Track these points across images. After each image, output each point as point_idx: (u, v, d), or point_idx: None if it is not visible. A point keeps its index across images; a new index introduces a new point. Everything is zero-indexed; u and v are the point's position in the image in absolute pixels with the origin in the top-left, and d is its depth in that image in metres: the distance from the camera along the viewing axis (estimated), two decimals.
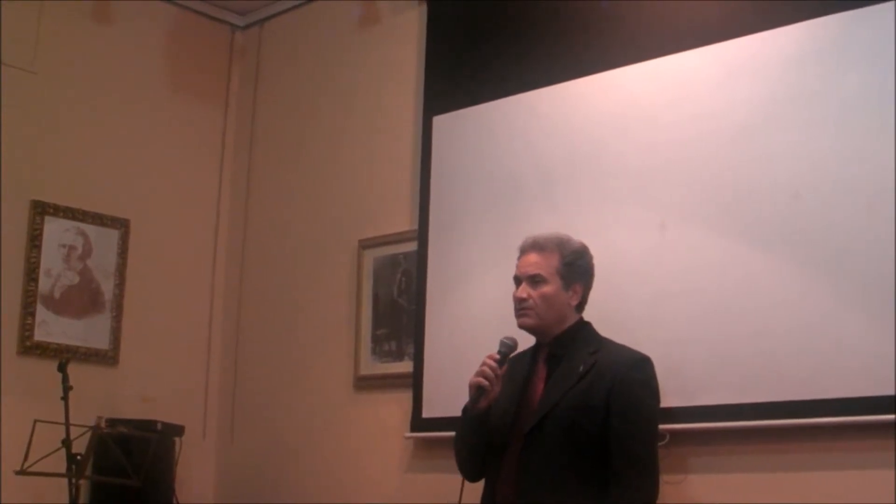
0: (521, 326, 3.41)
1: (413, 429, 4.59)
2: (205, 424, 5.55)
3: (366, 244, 5.06)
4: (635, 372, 3.27)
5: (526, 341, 3.50)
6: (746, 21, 3.85)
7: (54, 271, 5.05)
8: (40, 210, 5.02)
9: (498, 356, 3.34)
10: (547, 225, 3.76)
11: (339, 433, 4.99)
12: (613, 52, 4.21)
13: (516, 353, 3.47)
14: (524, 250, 3.44)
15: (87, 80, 5.32)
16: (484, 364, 3.31)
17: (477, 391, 3.30)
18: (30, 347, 4.90)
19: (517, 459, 3.26)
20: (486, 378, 3.29)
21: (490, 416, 3.36)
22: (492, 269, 4.28)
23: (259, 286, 5.63)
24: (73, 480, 4.21)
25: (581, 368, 3.28)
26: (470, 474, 3.46)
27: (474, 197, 4.53)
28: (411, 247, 4.81)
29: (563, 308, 3.39)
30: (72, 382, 4.26)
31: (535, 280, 3.36)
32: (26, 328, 4.90)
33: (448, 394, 4.36)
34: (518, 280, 3.41)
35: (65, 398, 4.22)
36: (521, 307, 3.38)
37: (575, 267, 3.39)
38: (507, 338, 3.38)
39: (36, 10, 5.12)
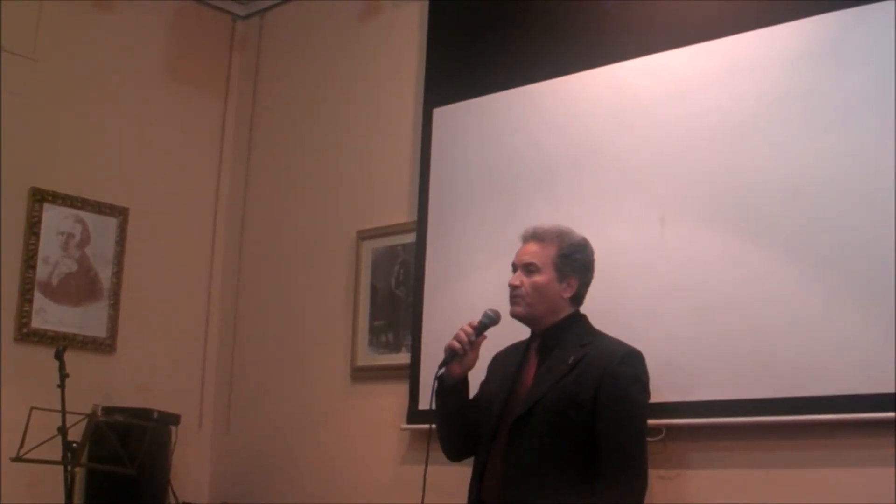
0: (512, 315, 3.41)
1: (409, 420, 4.59)
2: (201, 413, 5.56)
3: (364, 235, 5.06)
4: (624, 366, 3.25)
5: (524, 332, 3.49)
6: (747, 17, 3.85)
7: (52, 259, 5.05)
8: (39, 197, 5.01)
9: (477, 324, 3.37)
10: (546, 218, 3.73)
11: (336, 424, 5.00)
12: (614, 46, 4.20)
13: (514, 343, 3.47)
14: (525, 239, 3.45)
15: (87, 68, 5.31)
16: (461, 329, 3.36)
17: (449, 354, 3.34)
18: (27, 334, 4.90)
19: (504, 449, 3.27)
20: (459, 342, 3.33)
21: (467, 388, 3.43)
22: (490, 262, 4.28)
23: (257, 276, 5.63)
24: (69, 468, 4.20)
25: (571, 360, 3.27)
26: (449, 451, 3.50)
27: (473, 189, 4.53)
28: (410, 238, 4.81)
29: (554, 299, 3.38)
30: (68, 370, 4.25)
31: (529, 269, 3.36)
32: (24, 315, 4.90)
33: None
34: (514, 267, 3.42)
35: (61, 386, 4.21)
36: (513, 294, 3.39)
37: (571, 260, 3.38)
38: (490, 310, 3.40)
39: None
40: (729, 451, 3.66)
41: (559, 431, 3.19)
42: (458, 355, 3.35)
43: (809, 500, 3.40)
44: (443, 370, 3.38)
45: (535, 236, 3.41)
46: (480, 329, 3.38)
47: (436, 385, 3.42)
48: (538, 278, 3.35)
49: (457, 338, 3.35)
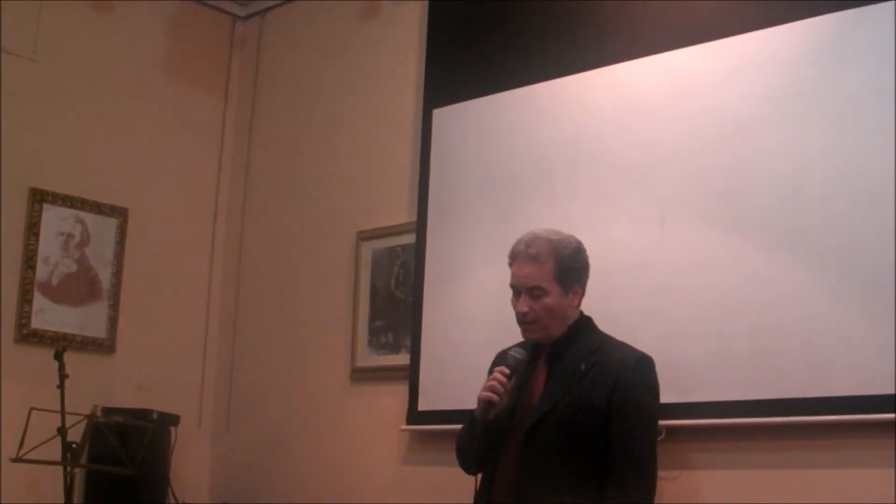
0: (527, 339, 3.37)
1: (409, 421, 4.59)
2: (201, 414, 5.55)
3: (364, 236, 5.05)
4: (637, 373, 3.24)
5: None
6: (748, 18, 3.85)
7: (52, 259, 5.05)
8: (39, 198, 5.01)
9: (509, 372, 3.26)
10: (546, 219, 3.75)
11: (335, 424, 4.99)
12: (614, 47, 4.20)
13: (519, 343, 3.43)
14: (517, 258, 3.34)
15: (87, 68, 5.31)
16: (493, 378, 3.24)
17: (486, 405, 3.23)
18: (27, 335, 4.89)
19: (516, 457, 3.24)
20: (496, 393, 3.23)
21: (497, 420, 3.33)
22: (490, 263, 4.27)
23: (257, 276, 5.62)
24: (69, 469, 4.21)
25: (583, 367, 3.25)
26: (468, 467, 3.45)
27: (473, 190, 4.53)
28: (409, 239, 4.80)
29: (566, 312, 3.34)
30: (68, 370, 4.25)
31: (534, 293, 3.28)
32: (23, 315, 4.90)
33: (444, 387, 4.38)
34: (516, 290, 3.34)
35: (61, 386, 4.21)
36: (523, 321, 3.32)
37: (571, 270, 3.32)
38: (515, 351, 3.32)
39: None
40: (729, 452, 3.66)
41: (573, 439, 3.18)
42: (495, 405, 3.25)
43: (810, 501, 3.40)
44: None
45: (528, 256, 3.30)
46: (511, 374, 3.27)
47: (468, 424, 3.36)
48: (547, 300, 3.28)
49: (491, 389, 3.23)
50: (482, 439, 3.32)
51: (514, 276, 3.35)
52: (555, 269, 3.29)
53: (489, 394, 3.23)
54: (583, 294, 3.39)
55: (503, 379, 3.24)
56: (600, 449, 3.17)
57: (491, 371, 3.46)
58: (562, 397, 3.22)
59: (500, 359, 3.49)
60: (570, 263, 3.32)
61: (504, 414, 3.31)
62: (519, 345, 3.43)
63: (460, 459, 3.48)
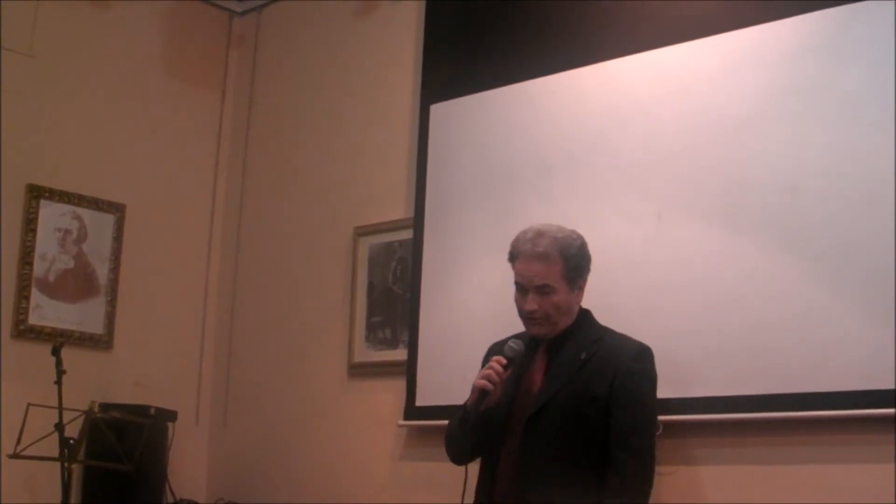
0: (534, 336, 3.38)
1: (407, 417, 4.59)
2: (198, 410, 5.55)
3: (361, 231, 5.05)
4: (638, 363, 3.27)
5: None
6: (746, 13, 3.85)
7: (49, 255, 5.04)
8: (36, 194, 5.00)
9: (506, 362, 3.27)
10: (543, 215, 3.74)
11: (333, 420, 4.99)
12: (612, 42, 4.20)
13: (514, 335, 3.44)
14: (521, 255, 3.33)
15: (85, 64, 5.31)
16: (489, 367, 3.25)
17: (480, 394, 3.24)
18: (24, 331, 4.89)
19: (518, 447, 3.25)
20: (491, 382, 3.24)
21: (490, 410, 3.33)
22: (487, 259, 4.28)
23: (254, 272, 5.62)
24: (66, 464, 4.21)
25: (583, 356, 3.27)
26: (457, 457, 3.44)
27: (471, 185, 4.53)
28: (407, 235, 4.80)
29: (572, 308, 3.37)
30: (65, 366, 4.26)
31: (542, 290, 3.29)
32: (21, 312, 4.89)
33: (442, 382, 4.38)
34: (522, 288, 3.34)
35: (58, 382, 4.21)
36: (530, 317, 3.33)
37: (578, 268, 3.34)
38: (514, 342, 3.33)
39: None
40: (727, 448, 3.66)
41: (574, 428, 3.20)
42: (489, 394, 3.25)
43: (808, 497, 3.41)
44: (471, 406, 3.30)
45: (535, 255, 3.30)
46: (508, 365, 3.28)
47: (461, 414, 3.35)
48: (556, 298, 3.29)
49: (488, 377, 3.23)
50: (477, 430, 3.31)
51: (520, 274, 3.34)
52: (563, 267, 3.30)
53: (484, 382, 3.24)
54: (584, 287, 3.41)
55: (499, 369, 3.25)
56: (600, 438, 3.19)
57: (485, 363, 3.47)
58: (562, 387, 3.25)
59: (496, 349, 3.49)
60: (577, 261, 3.34)
61: (501, 405, 3.32)
62: (516, 336, 3.44)
63: (450, 449, 3.48)
